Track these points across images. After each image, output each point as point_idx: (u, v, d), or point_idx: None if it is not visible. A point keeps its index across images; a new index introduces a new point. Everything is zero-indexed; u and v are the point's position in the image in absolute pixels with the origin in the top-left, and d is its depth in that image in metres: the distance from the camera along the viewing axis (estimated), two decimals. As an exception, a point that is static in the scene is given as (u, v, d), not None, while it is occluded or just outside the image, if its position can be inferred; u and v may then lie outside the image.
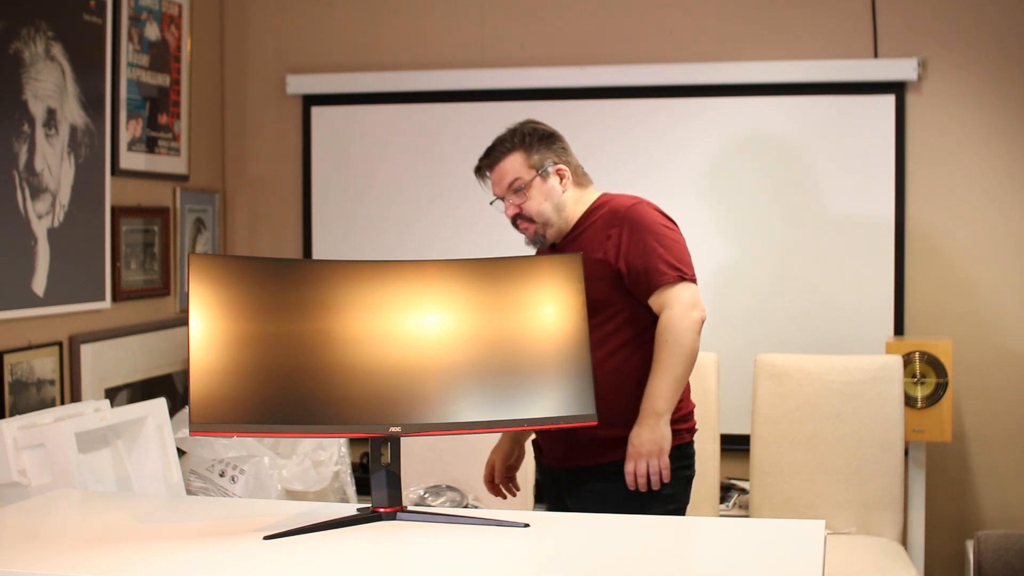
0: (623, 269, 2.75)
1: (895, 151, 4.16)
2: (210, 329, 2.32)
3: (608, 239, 2.77)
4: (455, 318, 2.44)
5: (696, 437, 3.79)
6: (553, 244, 2.89)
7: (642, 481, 2.69)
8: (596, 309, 2.66)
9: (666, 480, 2.71)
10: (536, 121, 2.94)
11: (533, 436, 3.06)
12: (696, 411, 3.79)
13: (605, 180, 4.36)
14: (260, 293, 2.39)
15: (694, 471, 2.91)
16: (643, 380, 2.72)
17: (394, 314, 2.43)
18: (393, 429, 2.34)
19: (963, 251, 4.16)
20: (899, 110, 4.15)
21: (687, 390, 2.84)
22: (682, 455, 2.83)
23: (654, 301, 2.74)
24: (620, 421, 2.73)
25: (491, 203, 2.92)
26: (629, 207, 2.81)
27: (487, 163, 2.88)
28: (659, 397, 2.68)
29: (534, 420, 2.41)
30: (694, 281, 2.78)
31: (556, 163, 2.86)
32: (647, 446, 2.67)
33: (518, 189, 2.82)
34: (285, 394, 2.34)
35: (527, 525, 2.31)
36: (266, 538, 2.23)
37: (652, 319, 2.76)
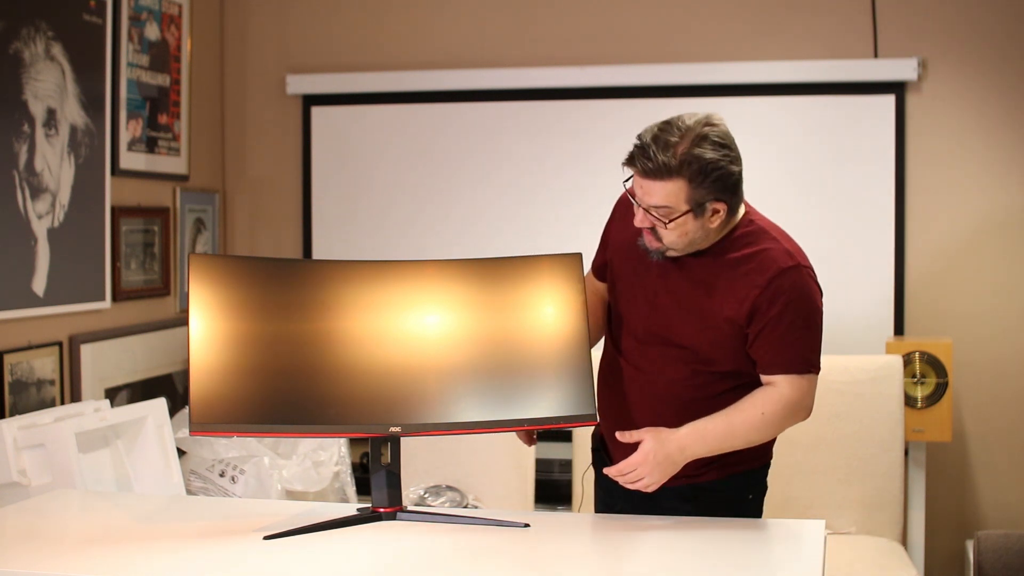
0: (751, 334, 2.43)
1: (895, 151, 4.15)
2: (210, 329, 2.32)
3: (746, 298, 2.42)
4: (455, 318, 2.44)
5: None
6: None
7: (620, 479, 2.39)
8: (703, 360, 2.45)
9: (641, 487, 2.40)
10: (715, 137, 2.39)
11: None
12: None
13: (605, 180, 4.37)
14: (260, 293, 2.39)
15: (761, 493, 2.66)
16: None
17: (394, 314, 2.43)
18: (393, 429, 2.34)
19: (963, 251, 4.16)
20: (899, 110, 4.15)
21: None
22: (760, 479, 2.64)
23: (768, 376, 2.45)
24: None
25: (624, 181, 2.49)
26: (791, 272, 2.43)
27: (640, 169, 2.39)
28: (705, 442, 2.39)
29: (534, 420, 2.39)
30: (818, 372, 2.48)
31: (718, 200, 2.38)
32: (660, 469, 2.35)
33: (662, 215, 2.38)
34: (285, 394, 2.34)
35: (527, 525, 2.31)
36: (266, 538, 2.23)
37: (753, 376, 2.49)
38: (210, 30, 4.57)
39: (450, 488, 3.89)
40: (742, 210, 2.51)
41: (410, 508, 2.41)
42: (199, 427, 2.28)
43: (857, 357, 3.83)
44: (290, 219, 4.64)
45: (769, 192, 4.25)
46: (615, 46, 4.37)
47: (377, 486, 2.37)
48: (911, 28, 4.16)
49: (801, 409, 2.44)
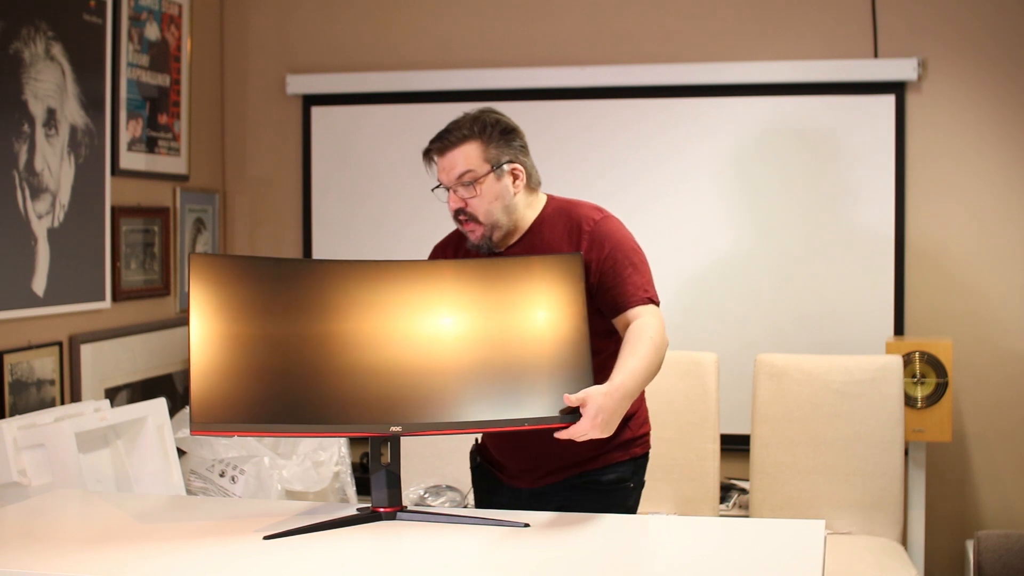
0: (594, 283, 2.58)
1: (895, 151, 4.15)
2: (210, 329, 2.31)
3: (574, 249, 2.59)
4: (456, 318, 2.44)
5: (696, 437, 3.81)
6: (498, 252, 2.65)
7: (575, 440, 2.38)
8: None
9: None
10: (496, 111, 2.67)
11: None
12: (696, 411, 3.82)
13: (605, 180, 4.38)
14: (260, 293, 2.39)
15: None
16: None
17: (395, 314, 2.43)
18: (394, 429, 2.34)
19: (963, 251, 4.16)
20: (899, 110, 4.15)
21: (645, 404, 2.78)
22: (641, 466, 2.77)
23: (621, 320, 2.58)
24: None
25: (433, 189, 2.66)
26: (601, 220, 2.64)
27: (438, 147, 2.62)
28: (636, 379, 2.43)
29: (535, 420, 2.38)
30: (659, 305, 2.63)
31: (513, 162, 2.61)
32: (609, 422, 2.36)
33: (469, 183, 2.58)
34: (286, 394, 2.33)
35: (527, 525, 2.31)
36: (266, 538, 2.23)
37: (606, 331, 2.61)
38: (210, 30, 4.57)
39: (450, 488, 3.89)
40: (543, 198, 2.70)
41: (410, 508, 2.41)
42: (200, 427, 2.27)
43: (857, 357, 3.83)
44: (290, 219, 4.64)
45: (769, 192, 4.26)
46: (615, 46, 4.37)
47: (377, 486, 2.37)
48: (911, 28, 4.16)
49: (665, 337, 2.56)
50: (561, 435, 2.35)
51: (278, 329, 2.37)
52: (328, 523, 2.31)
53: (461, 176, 2.58)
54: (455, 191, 2.59)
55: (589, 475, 2.68)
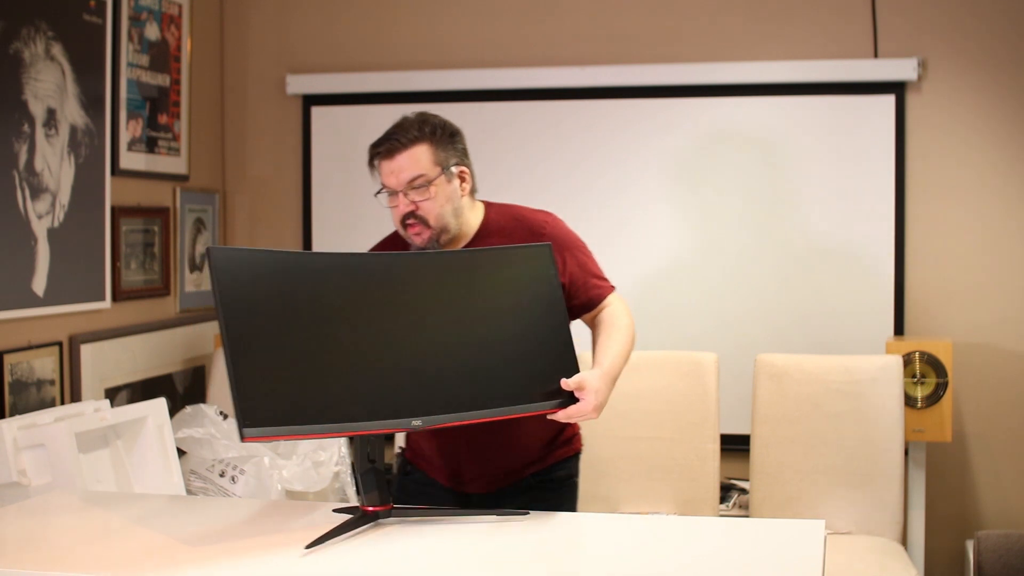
0: (565, 283, 2.61)
1: (895, 151, 4.16)
2: (246, 327, 2.22)
3: None
4: (455, 309, 2.42)
5: (696, 437, 3.81)
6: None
7: (575, 421, 2.48)
8: None
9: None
10: (435, 114, 2.65)
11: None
12: (696, 411, 3.82)
13: (606, 180, 4.38)
14: (285, 288, 2.31)
15: None
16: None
17: (403, 307, 2.38)
18: (415, 423, 2.31)
19: (963, 251, 4.16)
20: (899, 110, 4.15)
21: None
22: (578, 462, 2.83)
23: (591, 314, 2.67)
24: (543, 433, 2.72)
25: (376, 194, 2.62)
26: (553, 223, 2.69)
27: (386, 150, 2.56)
28: (619, 363, 2.54)
29: (536, 406, 2.39)
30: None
31: (460, 164, 2.61)
32: (602, 404, 2.45)
33: (421, 186, 2.55)
34: (321, 393, 2.27)
35: (528, 512, 2.32)
36: (308, 547, 2.18)
37: None
38: (210, 30, 4.57)
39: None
40: (480, 204, 2.70)
41: (399, 507, 2.38)
42: (252, 432, 2.17)
43: (857, 357, 3.83)
44: (290, 219, 4.64)
45: (769, 192, 4.26)
46: (615, 46, 4.37)
47: (367, 486, 2.31)
48: (911, 28, 4.16)
49: (633, 319, 2.67)
50: (559, 416, 2.40)
51: (307, 325, 2.29)
52: (336, 530, 2.26)
53: (413, 180, 2.55)
54: (404, 195, 2.56)
55: (541, 474, 2.73)
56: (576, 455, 2.83)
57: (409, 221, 2.57)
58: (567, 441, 2.79)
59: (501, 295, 2.49)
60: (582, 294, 2.66)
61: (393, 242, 2.73)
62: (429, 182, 2.54)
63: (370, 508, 2.34)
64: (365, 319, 2.35)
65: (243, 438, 2.16)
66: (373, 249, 2.78)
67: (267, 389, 2.21)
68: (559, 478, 2.77)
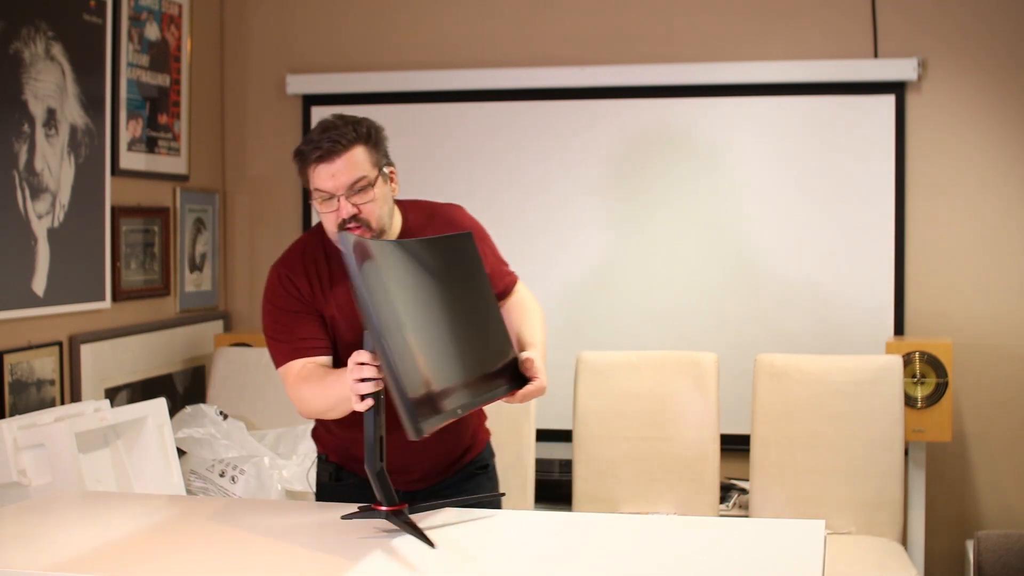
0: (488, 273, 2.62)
1: (895, 151, 4.16)
2: (388, 317, 2.20)
3: None
4: (440, 296, 2.40)
5: (696, 437, 3.81)
6: None
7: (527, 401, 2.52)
8: None
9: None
10: (355, 115, 2.58)
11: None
12: (696, 411, 3.82)
13: (605, 181, 4.38)
14: (415, 276, 2.35)
15: None
16: None
17: (420, 292, 2.38)
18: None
19: (963, 251, 4.16)
20: (899, 110, 4.15)
21: None
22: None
23: (502, 301, 2.69)
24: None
25: (312, 200, 2.51)
26: (464, 215, 2.71)
27: (326, 152, 2.44)
28: (544, 342, 2.61)
29: (505, 389, 2.43)
30: None
31: (389, 164, 2.56)
32: (544, 383, 2.49)
33: (363, 188, 2.46)
34: (441, 373, 2.29)
35: (504, 494, 2.37)
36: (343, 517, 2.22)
37: None
38: (210, 30, 4.57)
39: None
40: (398, 217, 2.62)
41: (414, 505, 2.36)
42: (427, 425, 2.17)
43: (857, 357, 3.82)
44: (290, 219, 4.64)
45: (769, 192, 4.26)
46: (615, 46, 4.37)
47: (383, 485, 2.27)
48: (911, 28, 4.16)
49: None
50: (516, 398, 2.44)
51: (412, 314, 2.29)
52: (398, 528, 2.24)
53: (355, 182, 2.45)
54: (346, 198, 2.45)
55: (476, 461, 2.77)
56: (488, 443, 2.85)
57: (351, 224, 2.47)
58: (484, 428, 2.84)
59: (456, 282, 2.47)
60: (498, 282, 2.68)
61: (302, 256, 2.61)
62: (371, 184, 2.47)
63: (387, 508, 2.28)
64: (422, 302, 2.34)
65: (420, 435, 2.14)
66: (289, 266, 2.61)
67: (417, 380, 2.20)
68: (491, 465, 2.81)
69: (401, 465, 2.60)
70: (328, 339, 2.56)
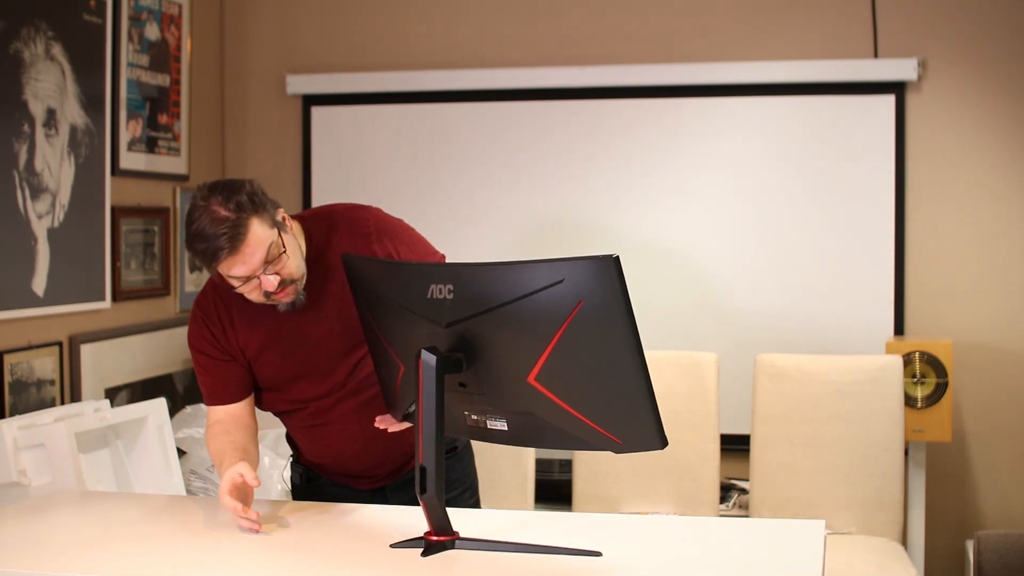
0: None
1: (895, 151, 4.16)
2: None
3: (369, 252, 2.55)
4: None
5: (696, 437, 3.81)
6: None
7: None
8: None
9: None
10: (217, 184, 2.40)
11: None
12: (696, 411, 3.82)
13: (606, 180, 4.38)
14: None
15: None
16: None
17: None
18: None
19: (963, 251, 4.16)
20: (899, 110, 4.15)
21: None
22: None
23: None
24: None
25: (236, 289, 2.42)
26: (370, 214, 2.61)
27: (230, 247, 2.33)
28: None
29: None
30: None
31: (276, 209, 2.43)
32: None
33: (275, 256, 2.39)
34: None
35: (599, 554, 2.14)
36: (392, 546, 2.17)
37: None
38: (210, 30, 4.57)
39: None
40: (299, 226, 2.55)
41: (463, 536, 2.21)
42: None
43: (857, 357, 3.82)
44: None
45: (769, 192, 4.26)
46: (615, 46, 4.37)
47: (434, 511, 2.16)
48: (911, 28, 4.16)
49: None
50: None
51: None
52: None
53: (268, 254, 2.37)
54: (264, 273, 2.38)
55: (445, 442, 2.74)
56: None
57: (276, 291, 2.42)
58: None
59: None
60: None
61: (215, 291, 2.56)
62: (280, 247, 2.39)
63: (438, 537, 2.18)
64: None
65: (666, 443, 2.03)
66: (200, 322, 2.58)
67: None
68: (459, 444, 2.77)
69: (371, 465, 2.68)
70: (243, 381, 2.60)
